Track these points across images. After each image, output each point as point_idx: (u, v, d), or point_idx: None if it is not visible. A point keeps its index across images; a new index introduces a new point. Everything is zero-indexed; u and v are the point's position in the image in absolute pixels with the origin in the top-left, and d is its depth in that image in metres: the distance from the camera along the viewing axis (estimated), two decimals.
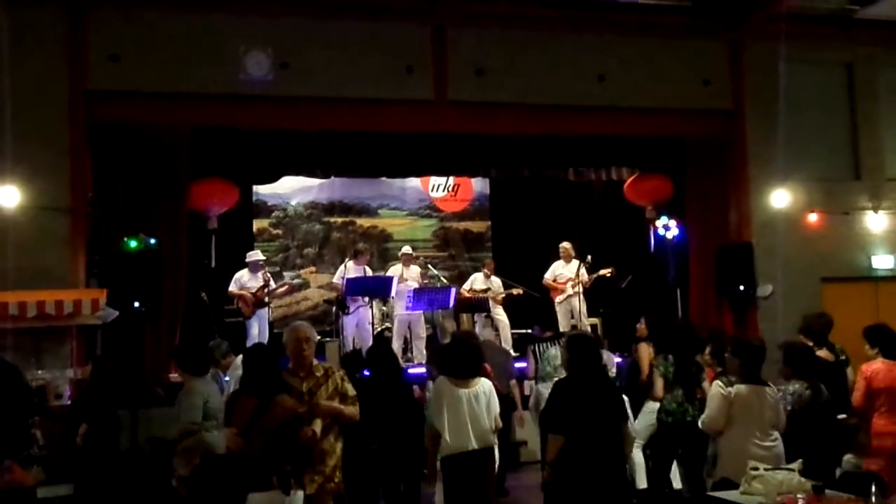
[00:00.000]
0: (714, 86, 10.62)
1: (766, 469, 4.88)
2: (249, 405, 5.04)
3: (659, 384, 6.72)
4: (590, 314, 11.20)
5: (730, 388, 5.67)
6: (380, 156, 10.92)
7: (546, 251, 12.01)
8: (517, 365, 8.78)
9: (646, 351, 7.26)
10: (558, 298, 11.08)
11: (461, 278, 12.24)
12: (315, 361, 5.29)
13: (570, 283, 10.91)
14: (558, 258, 11.41)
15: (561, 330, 10.43)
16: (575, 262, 11.05)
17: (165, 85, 9.03)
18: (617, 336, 10.29)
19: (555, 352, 7.47)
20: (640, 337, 7.55)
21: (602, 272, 10.93)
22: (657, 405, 6.84)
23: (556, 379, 5.88)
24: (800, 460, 4.97)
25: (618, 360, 8.68)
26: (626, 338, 8.81)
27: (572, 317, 10.92)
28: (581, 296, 10.82)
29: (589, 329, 10.46)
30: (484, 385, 5.74)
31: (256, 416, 5.00)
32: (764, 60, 10.59)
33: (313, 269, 12.68)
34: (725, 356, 6.16)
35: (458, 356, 5.61)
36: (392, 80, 9.55)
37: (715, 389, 5.74)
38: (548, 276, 11.25)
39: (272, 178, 11.71)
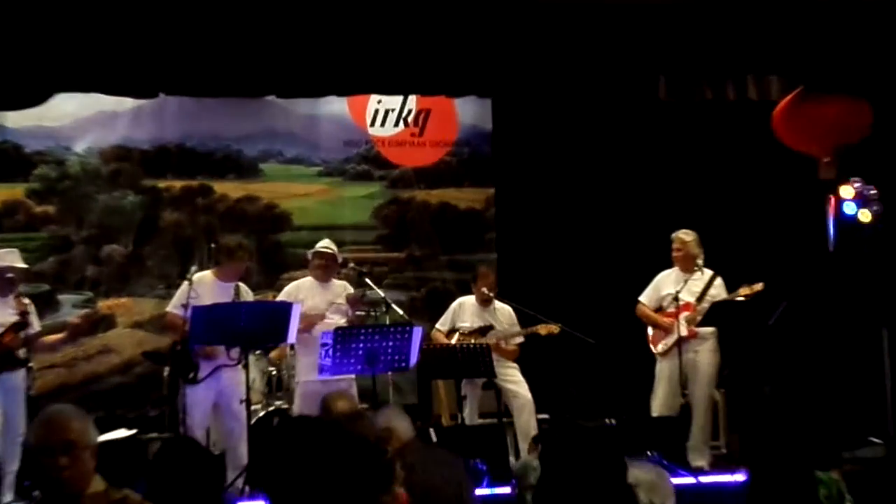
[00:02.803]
0: None
1: None
2: None
3: None
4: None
5: None
6: (262, 49, 9.42)
7: (608, 251, 11.96)
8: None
9: None
10: (661, 345, 9.90)
11: (432, 306, 11.70)
12: (99, 485, 4.50)
13: (684, 315, 9.72)
14: (659, 264, 10.30)
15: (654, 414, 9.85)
16: (701, 275, 9.99)
17: None
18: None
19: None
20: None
21: (745, 291, 9.69)
22: None
23: None
24: None
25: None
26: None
27: (684, 389, 9.59)
28: (710, 343, 9.83)
29: None
30: None
31: None
32: None
33: (120, 296, 11.79)
34: None
35: (316, 477, 3.91)
36: None
37: None
38: (646, 297, 10.10)
39: (34, 99, 10.35)
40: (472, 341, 9.67)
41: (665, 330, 9.82)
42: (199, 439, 8.71)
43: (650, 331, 9.92)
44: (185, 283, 9.09)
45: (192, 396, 8.79)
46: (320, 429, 4.29)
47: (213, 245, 9.75)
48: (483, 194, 12.92)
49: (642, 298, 10.07)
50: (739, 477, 7.90)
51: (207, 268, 9.35)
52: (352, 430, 5.59)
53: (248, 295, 9.22)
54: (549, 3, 9.86)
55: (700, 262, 9.87)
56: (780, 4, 10.03)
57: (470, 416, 9.58)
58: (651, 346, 9.93)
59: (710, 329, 9.66)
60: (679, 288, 9.78)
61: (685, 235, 9.94)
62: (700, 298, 9.75)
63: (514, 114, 12.66)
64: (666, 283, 10.06)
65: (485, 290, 10.03)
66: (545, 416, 10.16)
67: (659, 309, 9.94)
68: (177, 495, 4.52)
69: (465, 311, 10.18)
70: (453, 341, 9.89)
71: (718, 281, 9.81)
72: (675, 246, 9.98)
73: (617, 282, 11.15)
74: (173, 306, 9.19)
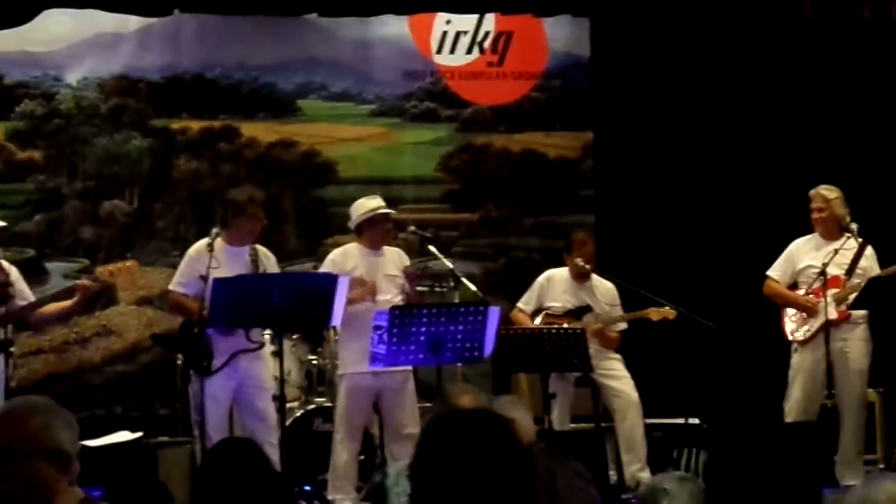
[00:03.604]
0: None
1: None
2: None
3: None
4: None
5: None
6: None
7: (734, 213, 11.79)
8: None
9: None
10: (801, 332, 9.64)
11: (513, 280, 11.49)
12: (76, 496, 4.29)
13: (832, 293, 9.51)
14: (798, 230, 10.13)
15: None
16: (848, 243, 9.70)
17: None
18: None
19: None
20: None
21: None
22: None
23: None
24: None
25: None
26: None
27: (829, 390, 9.50)
28: (861, 330, 9.55)
29: None
30: None
31: None
32: None
33: (127, 258, 10.81)
34: None
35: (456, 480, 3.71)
36: None
37: None
38: (778, 271, 9.94)
39: (17, 17, 10.84)
40: (564, 325, 9.43)
41: (807, 312, 9.48)
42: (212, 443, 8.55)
43: (789, 313, 9.62)
44: (192, 251, 8.92)
45: (208, 389, 8.52)
46: (488, 427, 3.87)
47: (232, 202, 9.22)
48: (578, 140, 12.37)
49: (772, 273, 9.78)
50: None
51: (228, 228, 8.95)
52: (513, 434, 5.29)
53: (269, 260, 8.97)
54: None
55: (847, 224, 9.58)
56: None
57: (560, 419, 9.36)
58: (786, 334, 9.61)
59: (861, 312, 9.41)
60: (826, 259, 9.48)
61: (827, 192, 9.61)
62: (849, 272, 9.41)
63: (617, 38, 12.14)
64: (803, 253, 9.75)
65: (581, 261, 9.65)
66: (669, 420, 10.07)
67: (794, 286, 9.67)
68: None
69: (555, 288, 9.80)
70: (539, 324, 9.62)
71: (869, 250, 9.48)
72: (814, 205, 9.65)
73: (743, 252, 10.93)
74: (177, 283, 8.98)
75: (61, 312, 9.16)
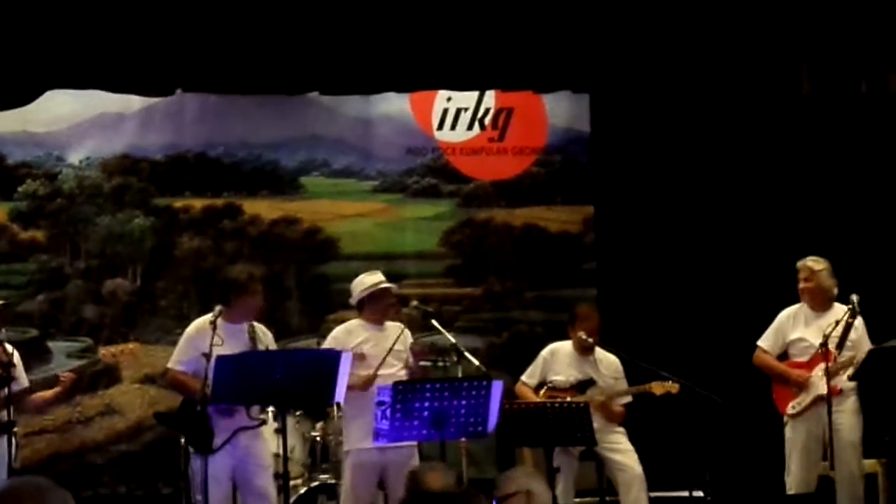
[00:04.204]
0: None
1: None
2: None
3: None
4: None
5: None
6: (303, 35, 10.40)
7: (738, 286, 11.74)
8: None
9: None
10: (793, 405, 9.70)
11: (516, 354, 11.38)
12: None
13: (820, 367, 9.47)
14: (777, 299, 10.30)
15: None
16: (839, 311, 9.73)
17: None
18: None
19: None
20: None
21: None
22: None
23: None
24: None
25: None
26: None
27: (823, 458, 9.60)
28: (852, 402, 9.66)
29: None
30: None
31: None
32: None
33: (126, 342, 10.70)
34: None
35: None
36: None
37: None
38: (767, 341, 9.98)
39: (20, 98, 10.99)
40: (568, 399, 9.28)
41: (797, 386, 9.53)
42: None
43: (779, 389, 9.78)
44: (191, 330, 8.86)
45: (210, 470, 8.31)
46: None
47: (232, 280, 9.16)
48: (579, 214, 12.43)
49: (762, 343, 9.79)
50: None
51: (230, 304, 8.89)
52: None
53: (267, 337, 8.92)
54: None
55: (834, 296, 9.63)
56: None
57: (564, 493, 9.22)
58: (777, 406, 9.65)
59: (851, 385, 9.50)
60: (828, 332, 9.41)
61: (814, 263, 9.64)
62: (840, 345, 9.33)
63: (617, 113, 12.15)
64: (793, 325, 9.75)
65: (584, 334, 9.59)
66: (673, 493, 10.06)
67: (783, 356, 9.70)
68: None
69: (558, 361, 9.75)
70: (543, 399, 9.52)
71: (859, 322, 9.43)
72: (801, 276, 9.69)
73: (745, 324, 10.66)
74: (175, 361, 8.90)
75: (47, 401, 9.19)
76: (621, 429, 9.65)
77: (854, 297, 9.41)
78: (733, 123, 11.92)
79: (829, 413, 9.22)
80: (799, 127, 11.79)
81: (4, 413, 8.67)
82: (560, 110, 12.43)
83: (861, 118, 11.66)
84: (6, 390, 8.60)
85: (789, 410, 9.58)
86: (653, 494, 9.65)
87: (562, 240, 12.56)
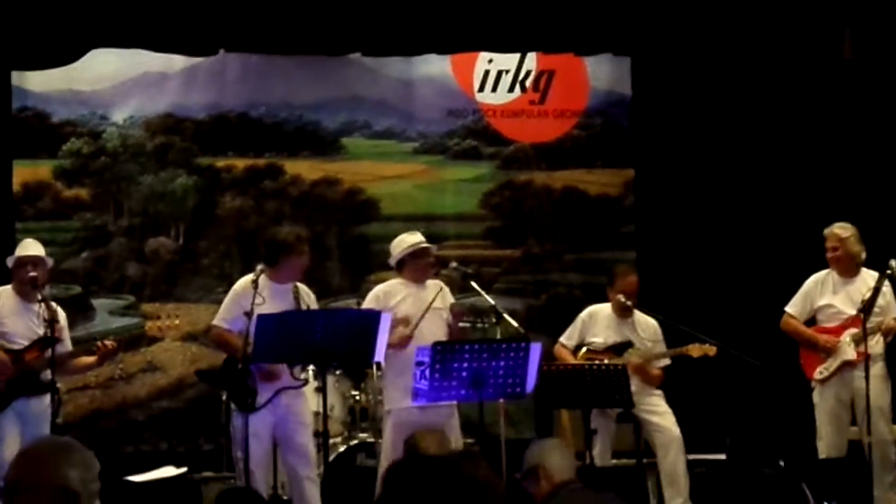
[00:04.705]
0: None
1: None
2: None
3: None
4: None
5: None
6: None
7: (777, 249, 11.64)
8: None
9: None
10: (820, 371, 9.78)
11: (555, 316, 11.45)
12: None
13: (849, 333, 9.63)
14: (815, 265, 10.19)
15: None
16: (867, 277, 9.82)
17: None
18: None
19: None
20: None
21: None
22: None
23: None
24: None
25: None
26: None
27: (852, 423, 9.79)
28: (879, 367, 9.66)
29: None
30: None
31: None
32: None
33: (169, 301, 11.78)
34: None
35: None
36: None
37: None
38: (795, 307, 10.04)
39: (65, 57, 11.16)
40: (606, 361, 9.35)
41: (825, 351, 9.60)
42: (263, 482, 8.69)
43: (807, 354, 9.84)
44: (237, 287, 8.91)
45: (254, 424, 8.45)
46: (442, 475, 3.81)
47: (275, 240, 9.25)
48: (619, 177, 12.47)
49: (790, 309, 9.87)
50: None
51: (275, 265, 8.96)
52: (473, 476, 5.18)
53: (310, 298, 8.99)
54: None
55: (859, 261, 9.73)
56: None
57: (601, 454, 9.33)
58: (804, 371, 9.76)
59: (879, 350, 9.53)
60: (833, 299, 9.68)
61: (841, 231, 9.69)
62: (867, 310, 9.39)
63: (658, 76, 12.16)
64: (819, 291, 9.86)
65: (623, 297, 9.67)
66: (704, 456, 10.00)
67: (811, 322, 9.78)
68: None
69: (597, 323, 9.83)
70: (581, 361, 9.56)
71: (887, 287, 9.50)
72: (829, 244, 9.75)
73: (785, 287, 10.59)
74: (220, 319, 9.00)
75: (84, 367, 9.38)
76: (659, 391, 9.76)
77: (893, 262, 9.41)
78: (774, 88, 11.89)
79: (867, 378, 9.25)
80: (840, 92, 11.74)
81: (48, 372, 8.78)
82: (601, 73, 12.52)
83: None
84: (49, 351, 8.70)
85: (816, 376, 9.66)
86: (691, 457, 9.72)
87: (601, 202, 12.67)
